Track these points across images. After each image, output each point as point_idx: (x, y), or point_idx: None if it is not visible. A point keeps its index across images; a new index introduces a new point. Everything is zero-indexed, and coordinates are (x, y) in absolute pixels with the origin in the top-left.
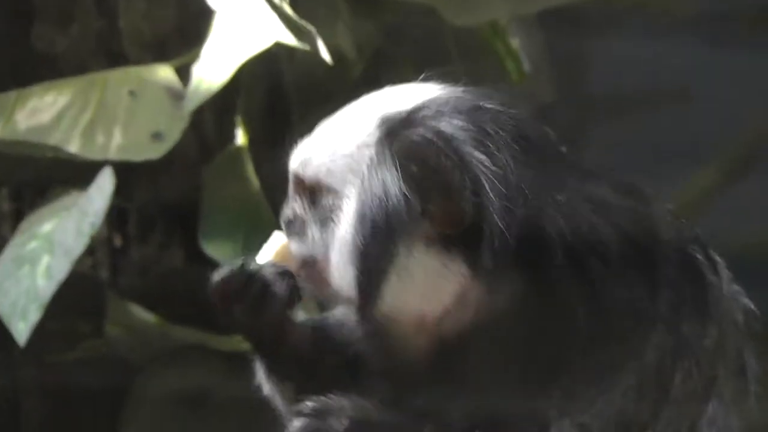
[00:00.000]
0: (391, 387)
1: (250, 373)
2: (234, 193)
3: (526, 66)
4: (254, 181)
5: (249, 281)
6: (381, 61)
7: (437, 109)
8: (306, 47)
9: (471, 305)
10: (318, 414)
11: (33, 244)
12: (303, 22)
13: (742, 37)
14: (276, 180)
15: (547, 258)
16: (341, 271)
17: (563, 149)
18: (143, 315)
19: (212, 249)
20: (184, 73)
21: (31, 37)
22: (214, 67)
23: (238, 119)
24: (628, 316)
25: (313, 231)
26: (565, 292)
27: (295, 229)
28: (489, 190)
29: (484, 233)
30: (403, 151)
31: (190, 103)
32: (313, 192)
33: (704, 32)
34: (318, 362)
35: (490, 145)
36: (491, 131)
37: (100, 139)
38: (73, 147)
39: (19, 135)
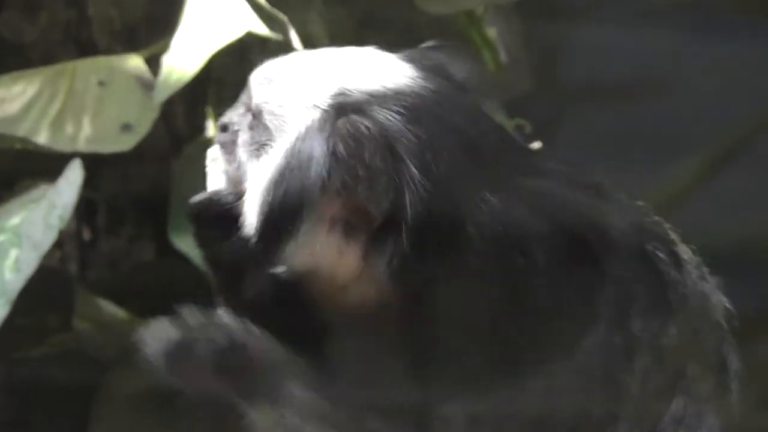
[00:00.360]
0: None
1: None
2: (204, 185)
3: (503, 56)
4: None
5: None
6: None
7: (395, 105)
8: (278, 37)
9: (369, 293)
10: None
11: (0, 238)
12: (275, 11)
13: (727, 25)
14: None
15: (464, 258)
16: (248, 208)
17: (519, 144)
18: (113, 309)
19: (182, 242)
20: (154, 63)
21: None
22: (185, 57)
23: (209, 110)
24: (552, 314)
25: (239, 151)
26: (476, 289)
27: (227, 137)
28: (408, 206)
29: (390, 240)
30: (345, 132)
31: (161, 94)
32: (255, 116)
33: (688, 20)
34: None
35: (430, 161)
36: (437, 144)
37: (69, 129)
38: (42, 138)
39: None
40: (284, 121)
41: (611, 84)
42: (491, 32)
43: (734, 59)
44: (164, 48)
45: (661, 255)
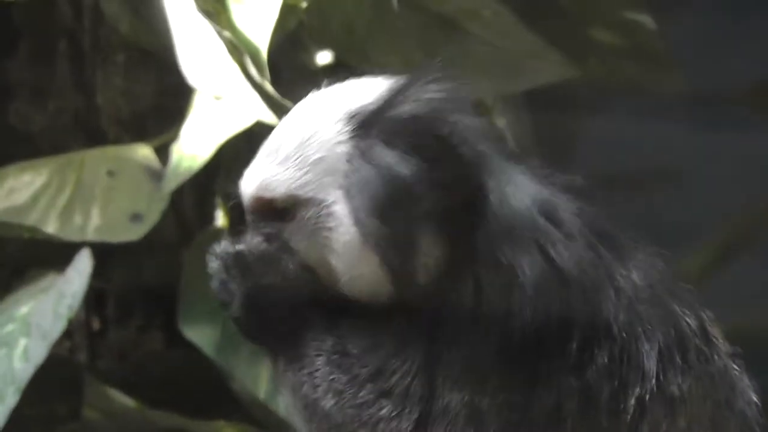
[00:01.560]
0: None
1: None
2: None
3: (513, 145)
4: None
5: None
6: None
7: (405, 93)
8: None
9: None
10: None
11: (10, 327)
12: (284, 100)
13: (735, 116)
14: None
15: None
16: (355, 268)
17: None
18: (122, 399)
19: (192, 333)
20: (163, 153)
21: (8, 114)
22: (194, 146)
23: (219, 199)
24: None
25: (299, 244)
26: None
27: (270, 255)
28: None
29: (480, 209)
30: (403, 128)
31: (170, 183)
32: (286, 210)
33: (696, 112)
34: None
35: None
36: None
37: (77, 219)
38: (51, 227)
39: None
40: (321, 182)
41: (621, 174)
42: (500, 122)
43: (739, 150)
44: (173, 137)
45: (689, 321)
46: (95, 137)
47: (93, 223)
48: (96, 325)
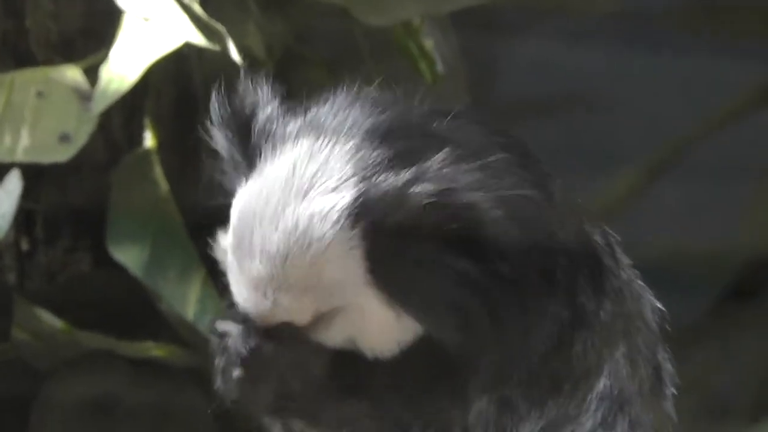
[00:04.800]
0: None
1: (157, 379)
2: (142, 196)
3: (441, 67)
4: (163, 184)
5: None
6: (291, 62)
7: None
8: (216, 47)
9: None
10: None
11: None
12: (213, 22)
13: (664, 37)
14: (185, 182)
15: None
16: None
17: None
18: (50, 320)
19: (120, 253)
20: (92, 75)
21: None
22: (123, 68)
23: (147, 121)
24: (528, 281)
25: (328, 340)
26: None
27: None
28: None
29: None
30: (417, 214)
31: (99, 105)
32: (313, 325)
33: (624, 33)
34: None
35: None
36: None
37: (7, 140)
38: None
39: None
40: (345, 278)
41: (546, 98)
42: (428, 44)
43: (667, 72)
44: (102, 59)
45: (597, 239)
46: (24, 60)
47: (22, 144)
48: (25, 245)
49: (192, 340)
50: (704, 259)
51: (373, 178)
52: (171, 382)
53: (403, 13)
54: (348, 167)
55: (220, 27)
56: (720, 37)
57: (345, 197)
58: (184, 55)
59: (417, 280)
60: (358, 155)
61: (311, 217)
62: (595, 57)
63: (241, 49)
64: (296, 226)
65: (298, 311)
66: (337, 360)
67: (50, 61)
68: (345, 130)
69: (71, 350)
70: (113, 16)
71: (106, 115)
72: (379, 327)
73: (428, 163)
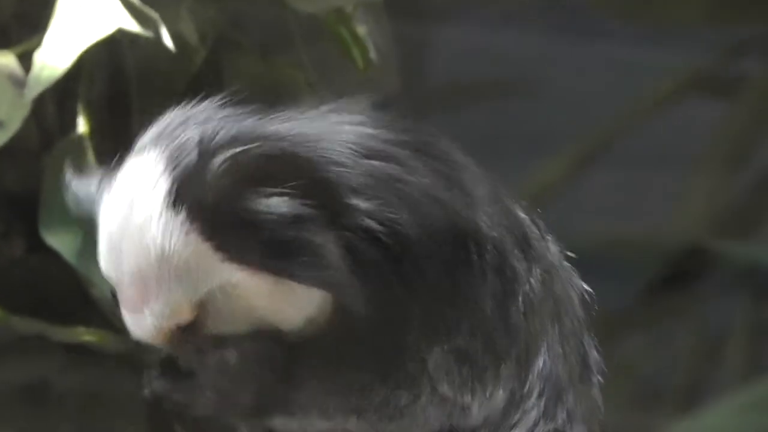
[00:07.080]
0: None
1: (90, 365)
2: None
3: (373, 54)
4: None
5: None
6: (224, 48)
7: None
8: (149, 34)
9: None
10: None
11: None
12: (146, 8)
13: (595, 24)
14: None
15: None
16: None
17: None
18: None
19: (53, 239)
20: (25, 61)
21: None
22: (56, 53)
23: (80, 107)
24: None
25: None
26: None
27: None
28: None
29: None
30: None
31: (32, 91)
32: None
33: (555, 19)
34: None
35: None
36: None
37: None
38: None
39: None
40: (202, 263)
41: (476, 83)
42: (361, 30)
43: (597, 58)
44: (35, 45)
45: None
46: None
47: None
48: None
49: (123, 325)
50: (636, 247)
51: (180, 164)
52: (102, 368)
53: (336, 0)
54: (159, 165)
55: (153, 13)
56: (651, 24)
57: (161, 190)
58: (117, 41)
59: (254, 237)
60: (167, 152)
61: (142, 221)
62: (526, 42)
63: (174, 36)
64: (134, 237)
65: (177, 310)
66: (268, 347)
67: None
68: (155, 139)
69: (3, 335)
70: (47, 3)
71: (39, 101)
72: (271, 299)
73: (220, 132)
